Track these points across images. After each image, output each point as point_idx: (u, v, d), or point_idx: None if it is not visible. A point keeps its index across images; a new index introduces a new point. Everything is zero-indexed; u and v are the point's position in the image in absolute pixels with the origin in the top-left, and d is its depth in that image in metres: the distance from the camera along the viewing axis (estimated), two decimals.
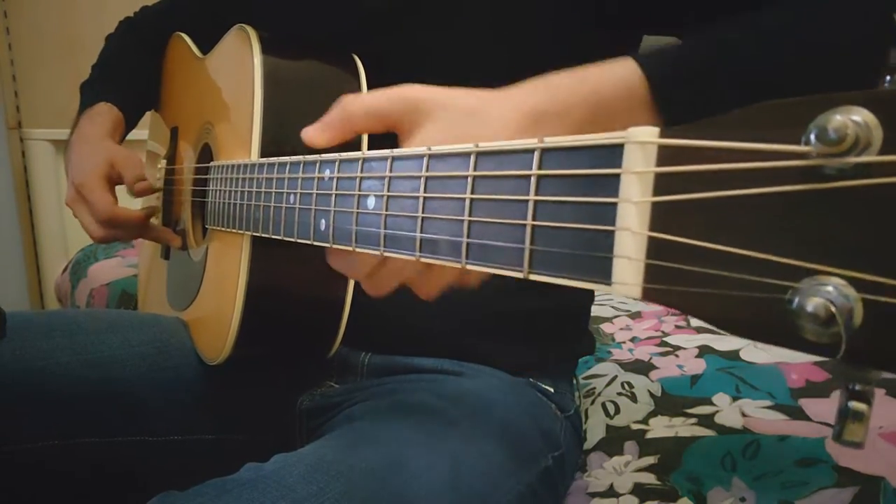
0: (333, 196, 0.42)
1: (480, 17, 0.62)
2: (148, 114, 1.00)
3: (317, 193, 0.44)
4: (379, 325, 0.69)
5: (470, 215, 0.30)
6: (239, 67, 0.65)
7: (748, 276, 0.20)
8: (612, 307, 1.23)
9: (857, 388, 0.20)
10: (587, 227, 0.25)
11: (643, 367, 0.92)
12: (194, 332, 0.73)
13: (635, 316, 1.17)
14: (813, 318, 0.18)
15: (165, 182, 0.89)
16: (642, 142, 0.23)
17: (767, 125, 0.20)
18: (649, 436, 0.74)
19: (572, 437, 0.70)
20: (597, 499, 0.65)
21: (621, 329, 1.12)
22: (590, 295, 0.80)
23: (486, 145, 0.30)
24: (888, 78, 0.21)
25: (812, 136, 0.19)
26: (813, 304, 0.18)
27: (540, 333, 0.72)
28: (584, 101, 0.42)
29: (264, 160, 0.53)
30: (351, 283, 0.63)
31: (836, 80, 0.40)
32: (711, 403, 0.79)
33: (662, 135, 0.23)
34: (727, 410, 0.76)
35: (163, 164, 0.90)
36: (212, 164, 0.69)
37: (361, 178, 0.39)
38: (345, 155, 0.42)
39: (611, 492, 0.65)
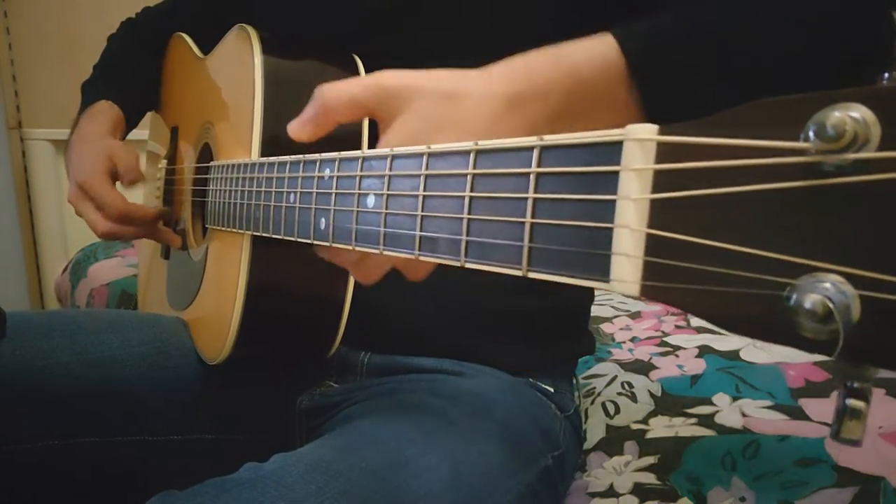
0: (333, 195, 0.42)
1: (481, 16, 0.62)
2: (148, 114, 1.00)
3: (317, 192, 0.44)
4: (379, 325, 0.69)
5: (469, 213, 0.30)
6: (239, 67, 0.65)
7: (746, 273, 0.20)
8: (612, 307, 1.23)
9: (855, 385, 0.20)
10: (586, 225, 0.25)
11: (643, 367, 0.92)
12: (194, 332, 0.73)
13: (635, 316, 1.18)
14: (811, 315, 0.18)
15: (166, 182, 0.89)
16: (641, 139, 0.23)
17: (766, 122, 0.20)
18: (649, 436, 0.74)
19: (572, 437, 0.70)
20: (597, 499, 0.65)
21: (621, 329, 1.12)
22: (590, 295, 0.80)
23: (485, 143, 0.30)
24: (886, 75, 0.21)
25: (811, 133, 0.19)
26: (811, 300, 0.18)
27: (540, 333, 0.72)
28: (562, 80, 0.41)
29: (264, 159, 0.53)
30: (351, 283, 0.63)
31: (821, 57, 0.39)
32: (711, 403, 0.79)
33: (661, 132, 0.23)
34: (727, 410, 0.76)
35: (163, 164, 0.90)
36: (212, 163, 0.69)
37: (361, 177, 0.39)
38: (345, 154, 0.42)
39: (611, 492, 0.65)
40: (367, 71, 0.64)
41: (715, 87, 0.39)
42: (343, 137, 0.53)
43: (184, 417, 0.70)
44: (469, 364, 0.68)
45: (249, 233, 0.58)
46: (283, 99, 0.61)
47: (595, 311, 1.17)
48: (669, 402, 0.81)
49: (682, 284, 0.21)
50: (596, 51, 0.41)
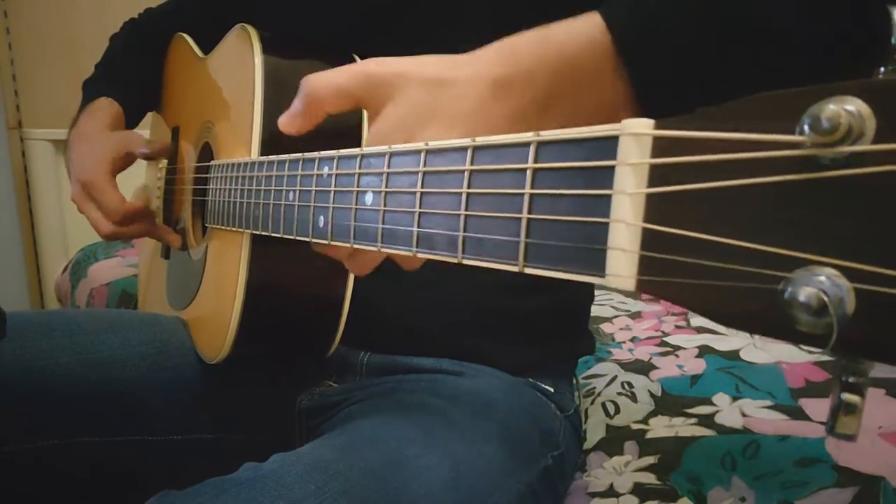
0: (332, 192, 0.42)
1: (481, 11, 0.62)
2: (149, 114, 1.00)
3: (315, 190, 0.44)
4: (378, 325, 0.69)
5: (466, 209, 0.30)
6: (240, 67, 0.65)
7: (742, 267, 0.20)
8: (612, 307, 1.23)
9: (851, 380, 0.20)
10: (582, 220, 0.25)
11: (643, 367, 0.92)
12: (194, 332, 0.73)
13: (635, 316, 1.17)
14: (805, 308, 0.18)
15: (166, 181, 0.89)
16: (637, 133, 0.23)
17: (761, 115, 0.20)
18: (649, 436, 0.74)
19: (572, 437, 0.70)
20: (597, 499, 0.65)
21: (621, 329, 1.12)
22: (590, 294, 0.80)
23: (482, 139, 0.30)
24: (882, 69, 0.21)
25: (806, 126, 0.19)
26: (805, 293, 0.18)
27: (540, 333, 0.72)
28: (548, 60, 0.40)
29: (264, 158, 0.53)
30: (350, 282, 0.63)
31: (816, 37, 0.37)
32: (711, 403, 0.79)
33: (657, 126, 0.23)
34: (727, 410, 0.76)
35: (164, 163, 0.90)
36: (212, 163, 0.69)
37: (360, 175, 0.39)
38: (343, 152, 0.42)
39: (611, 492, 0.65)
40: None
41: (705, 64, 0.38)
42: (343, 133, 0.53)
43: (183, 417, 0.70)
44: (469, 364, 0.68)
45: (249, 231, 0.58)
46: (283, 98, 0.60)
47: (595, 311, 1.17)
48: (669, 402, 0.81)
49: (678, 279, 0.21)
50: (582, 29, 0.40)
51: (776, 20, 0.37)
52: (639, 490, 0.64)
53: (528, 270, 0.27)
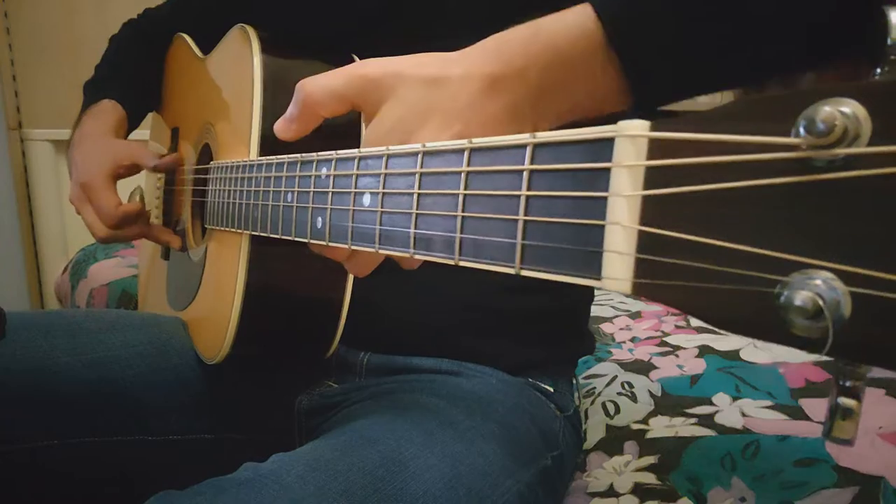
0: (330, 194, 0.42)
1: (479, 9, 0.62)
2: (149, 114, 1.00)
3: (314, 191, 0.44)
4: (378, 325, 0.69)
5: (463, 211, 0.30)
6: (239, 67, 0.65)
7: (738, 271, 0.20)
8: (612, 307, 1.23)
9: (848, 384, 0.20)
10: (578, 222, 0.25)
11: (643, 367, 0.92)
12: (193, 332, 0.73)
13: (635, 316, 1.17)
14: (801, 312, 0.18)
15: (166, 182, 0.89)
16: (633, 135, 0.23)
17: (757, 118, 0.20)
18: (649, 436, 0.74)
19: (572, 437, 0.70)
20: (597, 499, 0.65)
21: (621, 329, 1.12)
22: (590, 294, 0.80)
23: (479, 141, 0.30)
24: (878, 70, 0.21)
25: (801, 129, 0.18)
26: (801, 297, 0.18)
27: (540, 333, 0.72)
28: (540, 54, 0.39)
29: (262, 159, 0.53)
30: (349, 283, 0.63)
31: (815, 25, 0.36)
32: (711, 403, 0.79)
33: (653, 128, 0.23)
34: (727, 410, 0.76)
35: None
36: (211, 164, 0.69)
37: (357, 176, 0.39)
38: (341, 153, 0.42)
39: (611, 492, 0.65)
40: None
41: (698, 54, 0.38)
42: (342, 134, 0.53)
43: (183, 417, 0.70)
44: (468, 364, 0.68)
45: (248, 232, 0.58)
46: (283, 99, 0.60)
47: (595, 311, 1.17)
48: (669, 402, 0.81)
49: (674, 282, 0.21)
50: (573, 21, 0.39)
51: (769, 6, 0.36)
52: (639, 490, 0.64)
53: (524, 272, 0.27)
